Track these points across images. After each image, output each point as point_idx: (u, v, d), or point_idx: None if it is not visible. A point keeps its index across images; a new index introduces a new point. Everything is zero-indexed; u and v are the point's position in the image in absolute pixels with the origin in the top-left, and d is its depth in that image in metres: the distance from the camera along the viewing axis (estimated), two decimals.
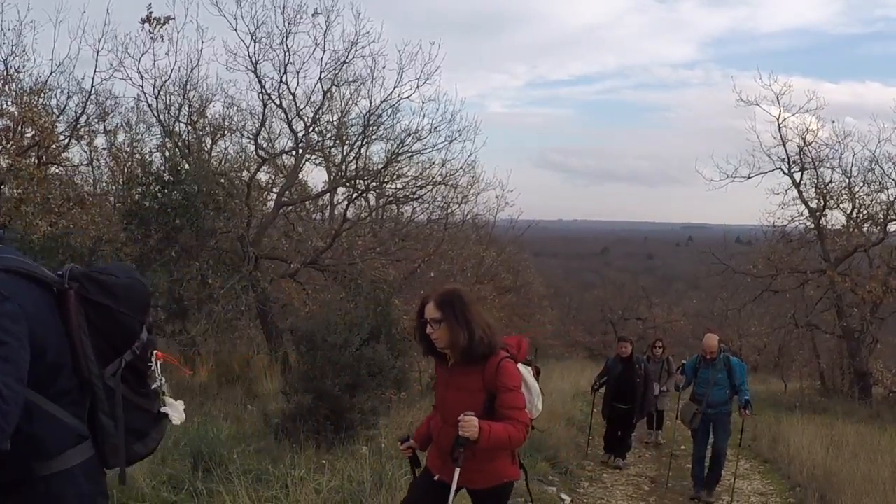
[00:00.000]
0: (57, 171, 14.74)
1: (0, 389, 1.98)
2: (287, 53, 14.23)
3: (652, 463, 11.49)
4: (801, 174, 22.23)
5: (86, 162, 17.76)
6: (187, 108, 15.97)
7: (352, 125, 15.37)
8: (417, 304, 4.04)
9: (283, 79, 14.47)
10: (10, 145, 12.32)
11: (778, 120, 21.93)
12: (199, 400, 9.86)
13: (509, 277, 25.02)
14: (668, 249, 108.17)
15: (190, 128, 16.27)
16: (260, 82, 14.54)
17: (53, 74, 14.14)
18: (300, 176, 16.82)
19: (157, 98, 15.40)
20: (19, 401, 2.04)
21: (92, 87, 14.88)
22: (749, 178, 22.45)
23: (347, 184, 16.13)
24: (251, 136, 15.80)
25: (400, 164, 15.47)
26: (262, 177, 17.44)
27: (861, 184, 21.83)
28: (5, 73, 13.04)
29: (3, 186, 12.28)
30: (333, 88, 14.78)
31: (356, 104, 15.18)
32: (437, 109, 16.91)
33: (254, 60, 14.23)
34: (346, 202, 17.60)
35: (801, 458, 10.53)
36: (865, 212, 22.01)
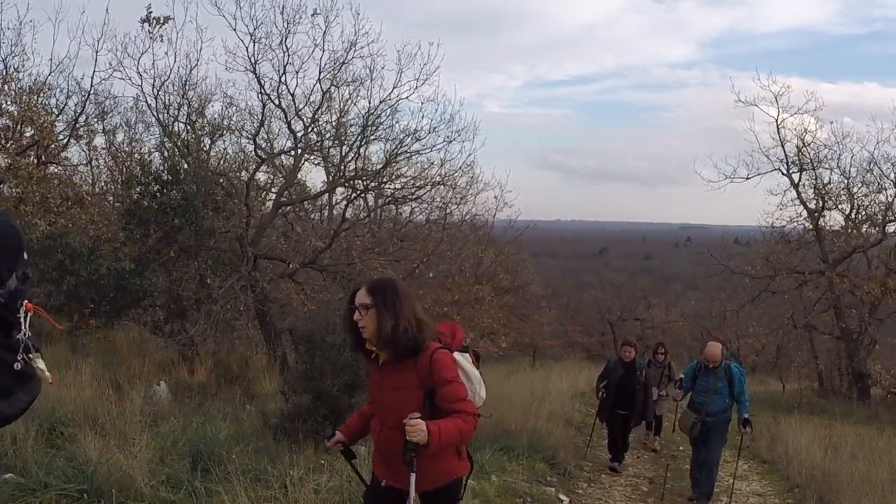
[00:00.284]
0: (56, 170, 14.76)
1: None
2: (286, 54, 14.23)
3: (650, 464, 11.50)
4: (800, 175, 22.30)
5: (85, 161, 17.81)
6: (186, 108, 15.97)
7: (351, 125, 15.37)
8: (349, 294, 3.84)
9: (283, 79, 14.47)
10: (9, 144, 12.33)
11: (776, 121, 22.00)
12: (197, 400, 9.85)
13: (507, 278, 25.05)
14: (667, 250, 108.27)
15: (189, 128, 16.26)
16: (259, 82, 14.54)
17: (53, 74, 14.19)
18: (299, 176, 16.83)
19: (156, 98, 15.40)
20: None
21: (91, 86, 14.92)
22: (748, 178, 22.53)
23: (346, 184, 16.11)
24: (250, 136, 15.79)
25: (399, 164, 15.47)
26: (261, 177, 17.45)
27: (860, 185, 21.92)
28: (5, 72, 13.05)
29: (2, 185, 12.28)
30: (332, 89, 14.77)
31: (355, 104, 15.18)
32: (436, 110, 16.98)
33: (253, 60, 14.23)
34: (344, 202, 17.61)
35: (799, 458, 10.54)
36: (864, 213, 22.05)
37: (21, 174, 11.76)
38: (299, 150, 15.50)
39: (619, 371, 10.64)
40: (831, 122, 42.95)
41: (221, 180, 14.88)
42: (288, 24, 14.12)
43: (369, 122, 14.96)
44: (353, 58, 14.36)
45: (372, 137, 15.34)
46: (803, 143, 21.92)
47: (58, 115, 14.80)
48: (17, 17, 13.76)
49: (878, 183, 21.61)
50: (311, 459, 6.85)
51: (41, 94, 14.02)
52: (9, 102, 12.97)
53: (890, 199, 21.61)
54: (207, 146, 16.92)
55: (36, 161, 13.18)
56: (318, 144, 15.68)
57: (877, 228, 21.97)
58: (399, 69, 14.30)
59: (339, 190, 17.27)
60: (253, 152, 16.01)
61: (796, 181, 22.28)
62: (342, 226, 15.35)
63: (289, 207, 16.60)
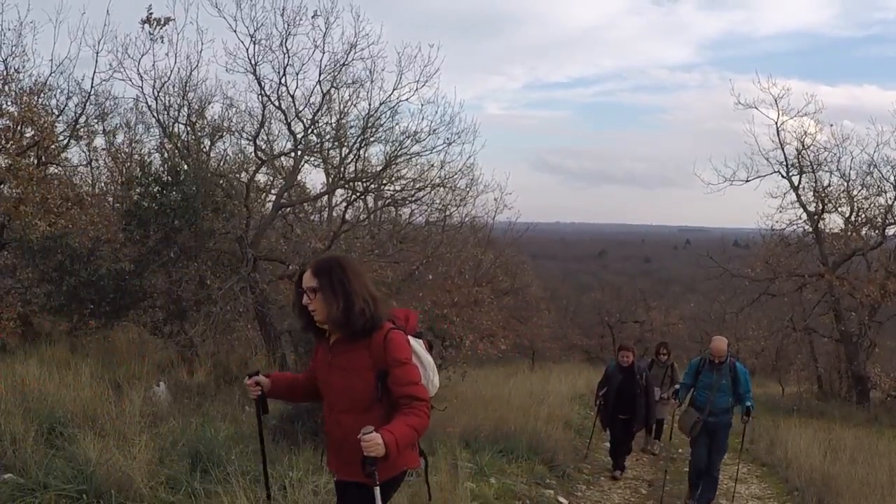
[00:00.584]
0: (56, 171, 14.76)
1: None
2: (286, 55, 14.23)
3: (649, 466, 11.49)
4: (800, 178, 22.31)
5: (85, 162, 17.80)
6: (186, 110, 15.95)
7: (351, 127, 15.34)
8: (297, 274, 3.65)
9: (283, 80, 14.46)
10: (9, 145, 12.32)
11: (776, 123, 22.01)
12: (197, 401, 9.85)
13: (507, 280, 25.06)
14: (666, 252, 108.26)
15: (189, 129, 16.25)
16: (259, 84, 14.54)
17: (53, 75, 14.17)
18: (299, 178, 16.81)
19: (156, 99, 15.38)
20: None
21: (91, 87, 14.91)
22: (747, 181, 22.52)
23: (346, 186, 16.11)
24: (250, 138, 15.78)
25: (398, 166, 15.45)
26: (261, 178, 17.44)
27: (859, 187, 21.93)
28: (5, 73, 13.05)
29: (2, 186, 12.28)
30: (332, 90, 14.76)
31: (355, 106, 15.15)
32: (436, 112, 16.92)
33: (253, 62, 14.22)
34: (344, 204, 17.59)
35: (798, 461, 10.54)
36: (864, 215, 22.06)
37: (21, 175, 11.75)
38: (299, 152, 15.51)
39: (619, 376, 10.39)
40: (831, 125, 42.38)
41: (221, 181, 14.88)
42: (288, 25, 14.13)
43: (369, 124, 14.96)
44: (353, 59, 14.36)
45: (372, 139, 15.34)
46: (803, 146, 21.94)
47: (58, 116, 14.79)
48: (18, 17, 13.72)
49: (878, 186, 21.65)
50: (310, 461, 6.85)
51: (41, 95, 14.02)
52: (9, 103, 12.96)
53: (890, 202, 21.65)
54: (207, 147, 16.92)
55: (36, 162, 13.18)
56: (318, 146, 15.68)
57: (876, 231, 21.98)
58: (399, 71, 14.30)
59: (339, 192, 17.27)
60: (253, 154, 16.01)
61: (796, 184, 22.30)
62: (342, 227, 15.35)
63: (288, 209, 16.59)
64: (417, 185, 15.53)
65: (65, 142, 15.31)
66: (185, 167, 14.24)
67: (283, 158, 16.70)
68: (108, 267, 12.61)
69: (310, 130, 15.08)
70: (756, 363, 28.49)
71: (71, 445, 5.86)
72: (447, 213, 17.23)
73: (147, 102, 15.54)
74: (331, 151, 16.13)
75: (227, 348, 13.93)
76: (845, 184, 21.93)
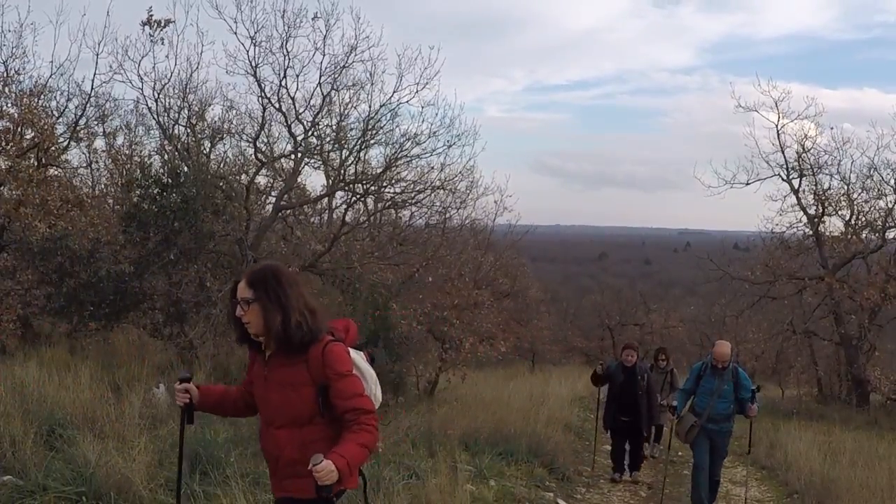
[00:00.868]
0: (56, 173, 14.74)
1: None
2: (287, 57, 14.24)
3: (649, 469, 11.48)
4: (800, 181, 22.31)
5: (85, 164, 17.79)
6: (187, 112, 15.97)
7: (351, 129, 15.35)
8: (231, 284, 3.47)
9: (283, 83, 14.47)
10: (9, 147, 12.33)
11: (776, 126, 22.00)
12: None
13: (507, 282, 25.01)
14: (666, 255, 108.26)
15: (189, 131, 16.27)
16: (259, 86, 14.55)
17: (53, 76, 14.20)
18: (299, 180, 16.82)
19: (156, 101, 15.40)
20: None
21: (92, 89, 14.92)
22: (748, 184, 22.50)
23: (346, 188, 16.11)
24: (250, 140, 15.80)
25: (399, 168, 15.45)
26: (261, 180, 17.44)
27: (859, 191, 21.92)
28: (5, 74, 13.06)
29: (2, 188, 12.28)
30: (333, 92, 14.76)
31: (355, 108, 15.16)
32: (437, 114, 16.89)
33: (253, 64, 14.24)
34: (344, 206, 17.58)
35: (798, 465, 10.53)
36: (864, 219, 22.05)
37: (21, 176, 11.76)
38: (299, 154, 15.51)
39: (620, 377, 10.20)
40: (831, 128, 42.20)
41: (221, 183, 14.87)
42: (289, 27, 14.15)
43: (369, 126, 14.97)
44: (353, 62, 14.38)
45: (372, 141, 15.36)
46: (803, 149, 21.94)
47: (58, 118, 14.81)
48: (18, 19, 13.74)
49: (878, 189, 21.63)
50: None
51: (42, 97, 14.04)
52: (9, 105, 12.98)
53: (890, 205, 21.64)
54: (207, 149, 16.92)
55: (36, 163, 13.19)
56: (319, 148, 15.69)
57: (877, 234, 21.97)
58: (399, 73, 14.31)
59: (339, 194, 17.26)
60: (253, 156, 16.02)
61: (796, 187, 22.29)
62: (342, 229, 15.35)
63: (288, 211, 16.59)
64: (417, 188, 15.52)
65: (65, 143, 15.31)
66: (186, 169, 14.25)
67: (283, 160, 16.72)
68: (108, 269, 12.61)
69: (310, 132, 15.10)
70: (756, 366, 28.44)
71: (70, 447, 5.86)
72: (447, 215, 17.22)
73: (147, 104, 15.58)
74: (331, 153, 16.15)
75: (226, 350, 13.89)
76: (845, 187, 21.95)
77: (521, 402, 13.68)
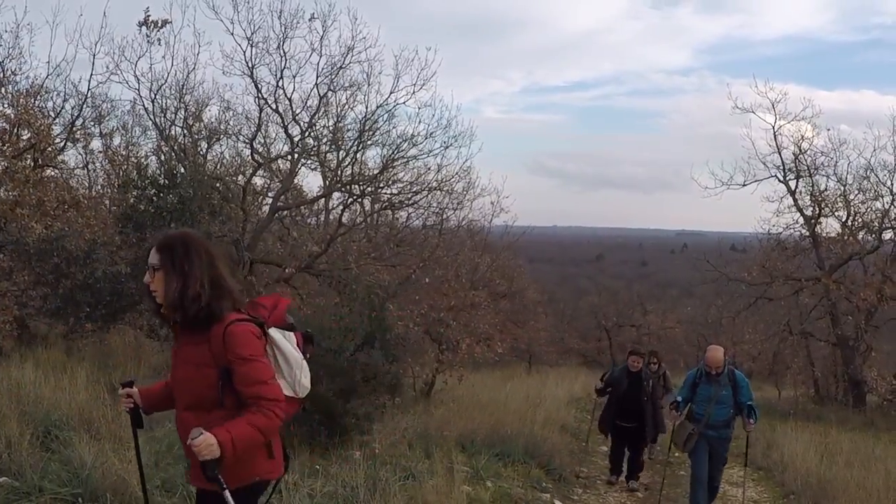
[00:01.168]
0: (52, 173, 14.74)
1: None
2: (283, 58, 14.25)
3: (646, 470, 11.47)
4: (797, 182, 22.33)
5: (81, 165, 17.80)
6: (183, 112, 15.99)
7: (347, 130, 15.36)
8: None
9: (280, 83, 14.48)
10: (6, 148, 12.32)
11: (773, 127, 22.03)
12: None
13: (504, 283, 24.99)
14: (663, 256, 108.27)
15: (186, 132, 16.28)
16: (256, 87, 14.56)
17: (50, 77, 14.19)
18: (296, 181, 16.83)
19: (153, 101, 15.42)
20: None
21: (88, 90, 14.93)
22: (744, 185, 22.53)
23: (343, 189, 16.11)
24: (247, 141, 15.80)
25: (395, 169, 15.44)
26: (258, 181, 17.44)
27: (856, 192, 21.94)
28: (2, 75, 13.06)
29: None
30: (329, 93, 14.78)
31: (352, 109, 15.17)
32: (433, 115, 16.88)
33: (250, 65, 14.25)
34: (341, 207, 17.61)
35: (794, 465, 10.53)
36: (860, 220, 22.07)
37: (17, 177, 11.74)
38: (296, 155, 15.52)
39: (625, 382, 10.01)
40: (828, 129, 41.87)
41: (218, 184, 14.88)
42: (285, 28, 14.16)
43: (366, 127, 14.98)
44: (350, 62, 14.40)
45: (369, 142, 15.36)
46: (800, 150, 21.97)
47: (55, 119, 14.80)
48: (15, 19, 13.82)
49: (875, 190, 21.66)
50: (305, 464, 6.85)
51: (38, 98, 14.02)
52: (6, 105, 12.99)
53: (886, 207, 21.66)
54: (204, 150, 16.94)
55: (32, 164, 13.18)
56: (315, 149, 15.69)
57: (873, 235, 21.99)
58: (396, 74, 14.32)
59: (336, 195, 17.29)
60: (249, 157, 16.03)
61: (793, 188, 22.32)
62: (338, 230, 15.35)
63: (285, 212, 16.60)
64: (414, 189, 15.53)
65: (61, 144, 15.31)
66: (182, 170, 14.25)
67: (279, 161, 16.72)
68: (105, 270, 12.59)
69: (307, 133, 15.11)
70: (753, 367, 28.49)
71: (66, 449, 5.85)
72: (444, 216, 17.21)
73: (144, 105, 15.60)
74: (328, 154, 16.15)
75: None
76: (842, 188, 21.97)
77: (517, 404, 13.67)
